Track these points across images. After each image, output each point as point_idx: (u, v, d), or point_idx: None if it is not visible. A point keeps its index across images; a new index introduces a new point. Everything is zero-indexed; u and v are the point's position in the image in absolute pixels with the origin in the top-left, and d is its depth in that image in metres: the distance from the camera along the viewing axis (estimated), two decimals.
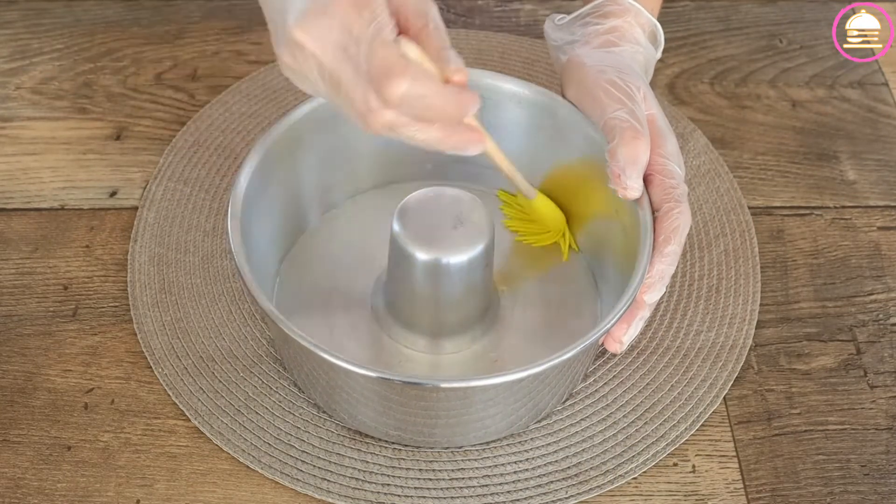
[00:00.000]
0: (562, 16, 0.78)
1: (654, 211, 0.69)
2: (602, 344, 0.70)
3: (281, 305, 0.75)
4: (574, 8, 0.79)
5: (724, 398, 0.73)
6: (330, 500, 0.67)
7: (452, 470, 0.69)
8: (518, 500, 0.68)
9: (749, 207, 0.83)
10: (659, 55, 0.78)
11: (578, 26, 0.77)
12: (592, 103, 0.72)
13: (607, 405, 0.72)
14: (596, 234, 0.77)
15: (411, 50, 0.59)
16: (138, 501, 0.67)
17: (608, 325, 0.66)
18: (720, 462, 0.70)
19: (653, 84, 0.76)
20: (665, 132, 0.71)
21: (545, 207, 0.78)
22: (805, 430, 0.72)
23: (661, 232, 0.68)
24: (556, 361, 0.64)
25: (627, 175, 0.68)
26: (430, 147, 0.62)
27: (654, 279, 0.68)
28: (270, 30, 0.63)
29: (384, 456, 0.69)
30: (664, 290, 0.69)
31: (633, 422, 0.71)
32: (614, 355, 0.74)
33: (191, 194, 0.82)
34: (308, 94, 0.64)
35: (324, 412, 0.71)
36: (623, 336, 0.69)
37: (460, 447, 0.70)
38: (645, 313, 0.69)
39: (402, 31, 0.60)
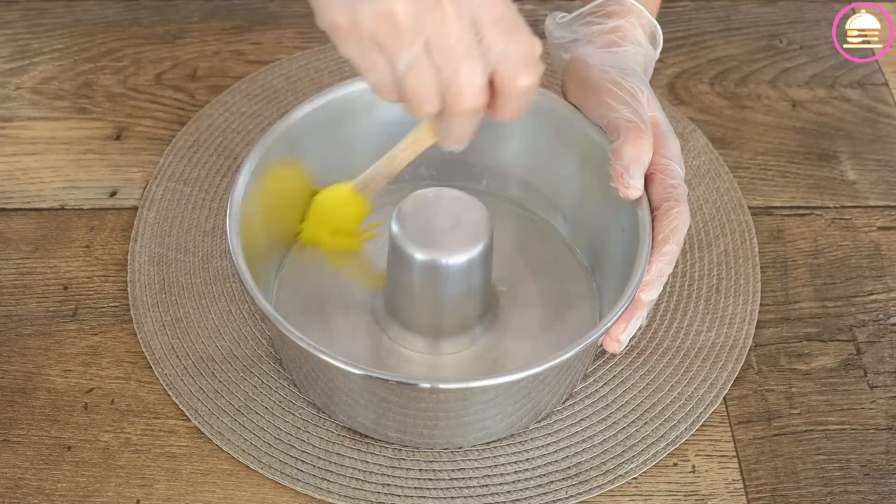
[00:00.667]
0: (563, 14, 0.78)
1: (652, 210, 0.69)
2: (601, 344, 0.70)
3: (280, 306, 0.75)
4: (574, 8, 0.79)
5: (724, 398, 0.73)
6: (330, 500, 0.67)
7: (452, 470, 0.69)
8: (518, 500, 0.68)
9: (749, 207, 0.83)
10: (657, 55, 0.78)
11: (580, 25, 0.77)
12: (596, 103, 0.72)
13: (607, 405, 0.72)
14: (595, 234, 0.77)
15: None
16: (138, 501, 0.67)
17: (608, 325, 0.66)
18: (720, 462, 0.70)
19: (653, 84, 0.76)
20: (667, 134, 0.71)
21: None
22: (805, 430, 0.72)
23: (659, 230, 0.68)
24: (556, 362, 0.64)
25: (630, 174, 0.68)
26: (453, 131, 0.61)
27: (653, 278, 0.68)
28: None
29: (384, 456, 0.69)
30: (661, 288, 0.69)
31: (633, 422, 0.71)
32: (614, 355, 0.74)
33: (191, 194, 0.82)
34: (344, 45, 0.58)
35: (324, 412, 0.71)
36: (621, 335, 0.69)
37: (460, 448, 0.70)
38: (643, 312, 0.69)
39: None
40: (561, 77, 0.76)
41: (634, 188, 0.69)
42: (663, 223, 0.68)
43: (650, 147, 0.69)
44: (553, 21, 0.78)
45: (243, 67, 0.91)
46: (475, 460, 0.69)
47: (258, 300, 0.65)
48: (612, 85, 0.71)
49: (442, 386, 0.64)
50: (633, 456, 0.70)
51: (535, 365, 0.63)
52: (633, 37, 0.75)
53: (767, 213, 0.84)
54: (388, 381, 0.63)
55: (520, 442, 0.70)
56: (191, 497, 0.68)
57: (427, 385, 0.64)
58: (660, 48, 0.78)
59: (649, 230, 0.68)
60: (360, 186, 0.70)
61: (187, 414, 0.71)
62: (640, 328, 0.73)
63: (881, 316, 0.78)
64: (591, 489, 0.68)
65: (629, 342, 0.73)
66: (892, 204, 0.85)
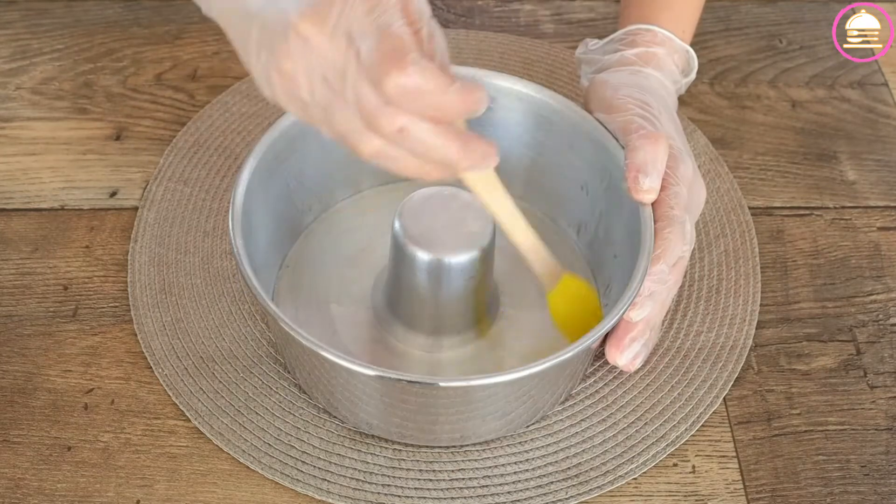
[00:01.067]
0: (595, 41, 0.79)
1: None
2: (602, 347, 0.70)
3: (282, 305, 0.75)
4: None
5: (724, 398, 0.73)
6: (330, 500, 0.67)
7: (452, 470, 0.69)
8: (518, 500, 0.68)
9: (749, 207, 0.83)
10: (692, 78, 0.79)
11: (607, 52, 0.78)
12: (609, 116, 0.72)
13: (607, 405, 0.72)
14: (598, 235, 0.77)
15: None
16: (138, 502, 0.67)
17: (608, 326, 0.66)
18: (720, 462, 0.70)
19: None
20: (679, 155, 0.71)
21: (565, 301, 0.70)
22: (805, 431, 0.72)
23: (653, 250, 0.68)
24: (556, 361, 0.64)
25: (644, 174, 0.68)
26: (442, 161, 0.57)
27: (641, 296, 0.68)
28: (240, 46, 0.60)
29: (384, 456, 0.69)
30: (654, 308, 0.68)
31: (633, 422, 0.71)
32: None
33: (191, 195, 0.82)
34: (294, 114, 0.60)
35: (324, 412, 0.71)
36: (617, 360, 0.69)
37: (461, 447, 0.70)
38: (635, 334, 0.69)
39: None
40: (584, 101, 0.77)
41: (649, 189, 0.68)
42: (655, 243, 0.68)
43: (665, 150, 0.69)
44: (584, 47, 0.79)
45: (243, 68, 0.90)
46: (475, 460, 0.69)
47: (261, 300, 0.65)
48: (626, 96, 0.71)
49: (443, 384, 0.64)
50: (633, 456, 0.70)
51: (535, 364, 0.63)
52: (657, 62, 0.76)
53: (767, 213, 0.84)
54: (390, 378, 0.63)
55: (520, 442, 0.70)
56: (191, 497, 0.68)
57: (428, 383, 0.64)
58: (693, 73, 0.78)
59: (652, 233, 0.68)
60: (553, 278, 0.70)
61: (187, 414, 0.71)
62: (645, 344, 0.71)
63: (881, 316, 0.78)
64: (591, 489, 0.68)
65: (641, 361, 0.71)
66: (892, 204, 0.85)
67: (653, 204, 0.69)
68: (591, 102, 0.75)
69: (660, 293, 0.68)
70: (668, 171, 0.69)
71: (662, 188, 0.69)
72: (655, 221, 0.69)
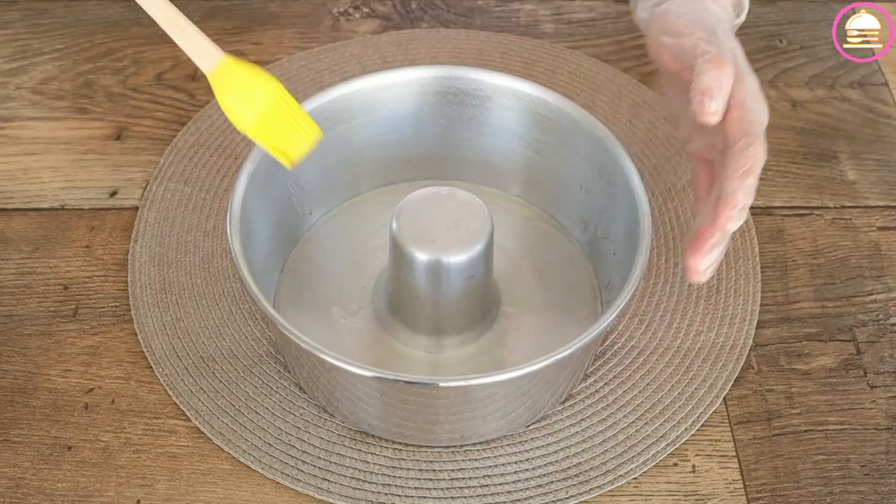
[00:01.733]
0: None
1: (729, 146, 0.68)
2: (684, 276, 0.68)
3: (282, 306, 0.75)
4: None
5: (724, 398, 0.73)
6: (330, 500, 0.67)
7: (453, 470, 0.69)
8: (518, 500, 0.68)
9: (749, 207, 0.83)
10: (742, 20, 0.77)
11: None
12: (676, 40, 0.71)
13: (607, 405, 0.72)
14: (598, 233, 0.77)
15: None
16: (138, 501, 0.67)
17: (608, 323, 0.66)
18: (720, 462, 0.70)
19: None
20: (744, 71, 0.70)
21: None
22: (805, 430, 0.72)
23: (739, 167, 0.66)
24: (556, 359, 0.64)
25: (710, 97, 0.67)
26: None
27: (737, 210, 0.65)
28: None
29: (385, 456, 0.69)
30: (742, 221, 0.67)
31: (633, 422, 0.71)
32: (614, 355, 0.74)
33: (191, 194, 0.82)
34: None
35: (325, 412, 0.71)
36: (700, 263, 0.66)
37: (461, 447, 0.70)
38: (716, 240, 0.66)
39: None
40: (646, 39, 0.75)
41: (714, 112, 0.66)
42: (741, 161, 0.66)
43: (731, 73, 0.68)
44: None
45: None
46: (475, 460, 0.69)
47: (259, 302, 0.65)
48: (690, 23, 0.70)
49: (443, 384, 0.64)
50: (633, 456, 0.70)
51: (535, 362, 0.63)
52: None
53: (767, 213, 0.84)
54: (390, 380, 0.63)
55: (520, 442, 0.70)
56: (191, 497, 0.68)
57: (428, 383, 0.64)
58: (744, 14, 0.76)
59: (650, 229, 0.68)
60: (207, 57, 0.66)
61: (188, 414, 0.71)
62: (719, 255, 0.68)
63: (881, 316, 0.78)
64: (591, 489, 0.68)
65: (712, 272, 0.68)
66: (892, 204, 0.85)
67: (729, 123, 0.68)
68: (655, 30, 0.73)
69: (749, 203, 0.67)
70: (736, 87, 0.68)
71: (735, 105, 0.68)
72: (736, 140, 0.67)
